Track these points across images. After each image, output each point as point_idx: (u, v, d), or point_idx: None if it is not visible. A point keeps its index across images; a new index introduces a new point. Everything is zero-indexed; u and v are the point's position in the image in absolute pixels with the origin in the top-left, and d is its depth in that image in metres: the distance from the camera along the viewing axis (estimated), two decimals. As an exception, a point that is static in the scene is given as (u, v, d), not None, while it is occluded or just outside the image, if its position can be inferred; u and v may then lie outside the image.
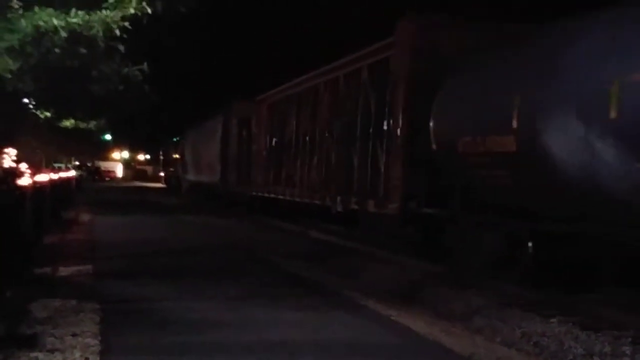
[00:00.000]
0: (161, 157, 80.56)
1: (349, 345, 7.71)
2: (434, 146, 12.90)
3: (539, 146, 9.85)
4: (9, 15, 10.19)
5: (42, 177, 15.74)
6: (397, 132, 14.18)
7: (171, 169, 61.67)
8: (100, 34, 10.21)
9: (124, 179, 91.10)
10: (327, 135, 19.17)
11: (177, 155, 55.96)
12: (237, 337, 7.89)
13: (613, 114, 8.64)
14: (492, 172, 11.31)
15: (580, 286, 10.12)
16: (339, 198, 17.36)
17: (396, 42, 14.55)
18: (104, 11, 10.17)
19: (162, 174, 75.20)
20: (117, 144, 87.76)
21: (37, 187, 13.78)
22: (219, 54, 39.97)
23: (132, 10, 10.09)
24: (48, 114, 22.94)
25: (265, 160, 26.10)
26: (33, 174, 13.11)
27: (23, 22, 10.08)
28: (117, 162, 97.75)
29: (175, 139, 60.77)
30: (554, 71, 9.78)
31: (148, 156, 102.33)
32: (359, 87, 16.91)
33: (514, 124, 10.41)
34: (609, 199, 8.93)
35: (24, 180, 11.27)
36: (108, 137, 63.33)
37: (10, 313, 8.08)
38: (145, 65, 12.03)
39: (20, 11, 10.14)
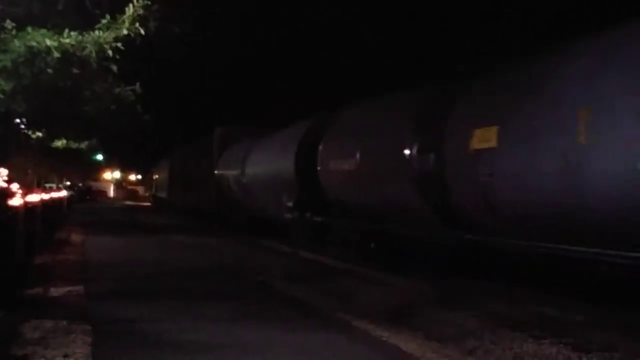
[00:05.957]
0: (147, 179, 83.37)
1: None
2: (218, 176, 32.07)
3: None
4: (2, 36, 10.21)
5: (34, 198, 15.69)
6: (213, 174, 32.49)
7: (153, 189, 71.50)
8: (93, 54, 10.22)
9: (115, 199, 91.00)
10: (195, 175, 38.49)
11: (155, 177, 68.59)
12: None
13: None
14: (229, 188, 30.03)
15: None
16: (200, 203, 36.87)
17: (214, 138, 33.50)
18: (97, 32, 10.19)
19: (147, 194, 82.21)
20: (109, 164, 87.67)
21: (28, 207, 13.73)
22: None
23: (125, 32, 10.11)
24: (40, 134, 22.93)
25: (182, 185, 44.27)
26: (24, 195, 13.06)
27: (16, 42, 10.08)
28: (108, 182, 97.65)
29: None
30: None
31: (139, 176, 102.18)
32: (203, 153, 35.44)
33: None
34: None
35: (16, 201, 11.23)
36: (99, 157, 63.25)
37: (1, 333, 8.05)
38: (137, 86, 12.04)
39: (14, 32, 10.15)
